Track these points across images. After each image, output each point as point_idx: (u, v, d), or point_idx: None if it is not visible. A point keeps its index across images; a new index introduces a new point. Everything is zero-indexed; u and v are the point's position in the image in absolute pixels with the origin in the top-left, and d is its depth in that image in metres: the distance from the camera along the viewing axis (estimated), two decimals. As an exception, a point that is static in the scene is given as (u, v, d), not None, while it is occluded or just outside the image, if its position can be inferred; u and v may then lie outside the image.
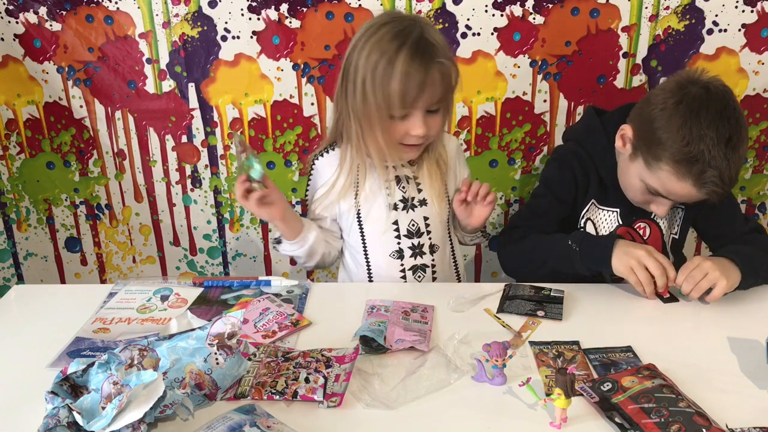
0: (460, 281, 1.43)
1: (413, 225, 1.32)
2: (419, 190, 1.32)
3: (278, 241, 1.33)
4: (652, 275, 1.15)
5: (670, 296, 1.18)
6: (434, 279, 1.37)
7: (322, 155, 1.33)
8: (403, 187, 1.31)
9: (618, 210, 1.34)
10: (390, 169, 1.29)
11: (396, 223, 1.32)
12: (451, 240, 1.40)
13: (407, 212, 1.32)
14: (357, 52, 1.16)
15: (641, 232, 1.36)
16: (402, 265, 1.34)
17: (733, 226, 1.34)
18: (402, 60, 1.12)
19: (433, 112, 1.20)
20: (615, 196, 1.33)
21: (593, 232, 1.36)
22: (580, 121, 1.51)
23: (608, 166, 1.32)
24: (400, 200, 1.31)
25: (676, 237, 1.39)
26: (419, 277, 1.35)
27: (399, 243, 1.33)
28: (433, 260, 1.35)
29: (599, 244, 1.22)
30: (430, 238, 1.34)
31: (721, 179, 1.13)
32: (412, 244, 1.33)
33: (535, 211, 1.40)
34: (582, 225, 1.36)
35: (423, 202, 1.32)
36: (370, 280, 1.36)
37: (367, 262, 1.36)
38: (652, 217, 1.34)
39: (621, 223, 1.35)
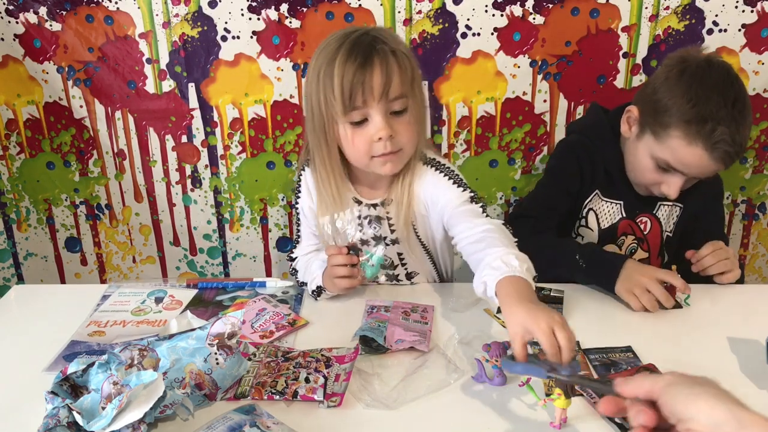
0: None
1: (387, 259, 1.27)
2: (392, 231, 1.24)
3: (319, 293, 1.20)
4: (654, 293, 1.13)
5: (676, 303, 1.15)
6: None
7: (308, 165, 1.25)
8: (375, 227, 1.24)
9: (621, 202, 1.35)
10: (360, 208, 1.23)
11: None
12: (433, 261, 1.31)
13: (379, 247, 1.26)
14: (309, 69, 1.11)
15: (642, 226, 1.37)
16: None
17: (720, 230, 1.40)
18: (341, 54, 1.04)
19: (398, 114, 1.09)
20: (619, 188, 1.34)
21: (595, 223, 1.36)
22: (584, 116, 1.51)
23: (613, 157, 1.33)
24: (373, 238, 1.25)
25: (670, 235, 1.40)
26: None
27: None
28: (411, 283, 1.31)
29: (606, 265, 1.19)
30: (405, 269, 1.30)
31: (732, 138, 1.13)
32: (387, 274, 1.30)
33: (539, 201, 1.39)
34: (584, 215, 1.37)
35: (395, 241, 1.25)
36: None
37: None
38: (653, 212, 1.36)
39: (624, 215, 1.35)
